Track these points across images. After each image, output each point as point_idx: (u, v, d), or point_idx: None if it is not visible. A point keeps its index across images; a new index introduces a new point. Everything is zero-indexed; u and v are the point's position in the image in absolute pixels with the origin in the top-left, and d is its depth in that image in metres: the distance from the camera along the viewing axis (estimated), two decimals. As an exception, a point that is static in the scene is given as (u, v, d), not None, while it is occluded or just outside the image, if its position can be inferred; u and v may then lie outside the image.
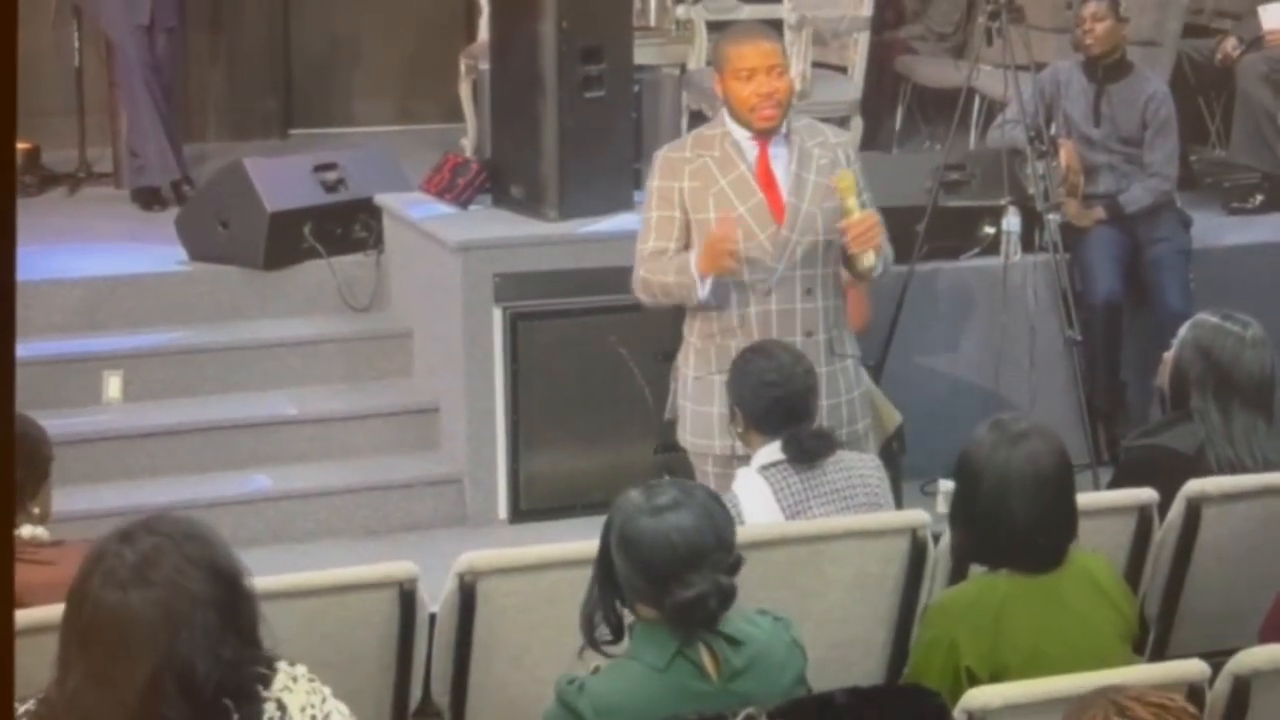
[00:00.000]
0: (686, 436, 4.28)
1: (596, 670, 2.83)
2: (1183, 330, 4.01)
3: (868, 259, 4.12)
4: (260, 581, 2.39)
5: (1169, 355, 4.02)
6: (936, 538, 3.60)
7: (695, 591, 2.75)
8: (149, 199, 6.67)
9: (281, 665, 2.35)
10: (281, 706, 2.31)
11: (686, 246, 4.19)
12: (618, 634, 2.84)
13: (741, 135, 4.22)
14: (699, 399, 4.23)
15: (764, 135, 4.20)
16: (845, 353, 4.32)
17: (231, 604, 2.26)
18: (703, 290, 4.10)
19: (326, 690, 2.39)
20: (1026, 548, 3.21)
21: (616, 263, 4.23)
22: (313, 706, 2.34)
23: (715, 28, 6.42)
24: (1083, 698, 2.41)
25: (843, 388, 4.29)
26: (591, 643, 2.85)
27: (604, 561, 2.86)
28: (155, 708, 2.18)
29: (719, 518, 2.84)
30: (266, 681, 2.30)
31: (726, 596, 2.79)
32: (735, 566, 2.83)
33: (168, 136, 6.64)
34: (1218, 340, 3.91)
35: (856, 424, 4.33)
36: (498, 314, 5.53)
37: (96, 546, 2.26)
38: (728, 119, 4.24)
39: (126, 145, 6.74)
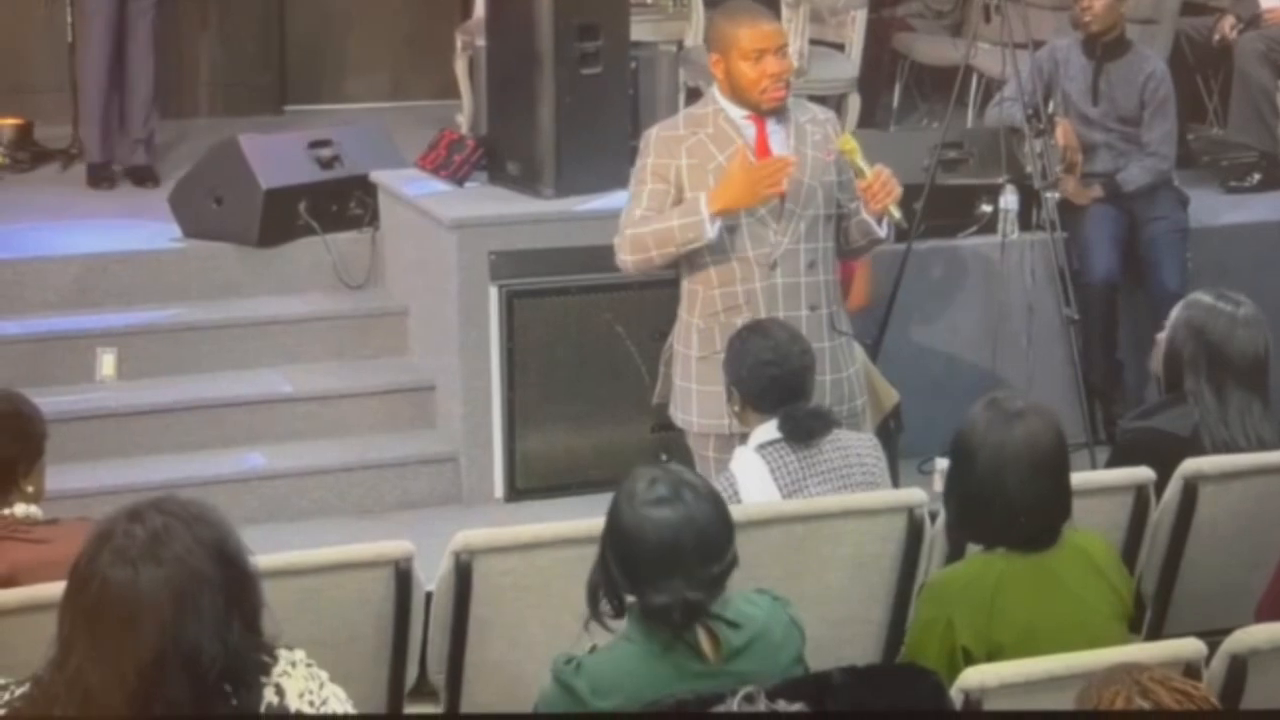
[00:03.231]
0: (692, 419, 4.23)
1: (593, 650, 2.82)
2: (1176, 310, 3.98)
3: (895, 212, 4.12)
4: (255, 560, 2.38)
5: (1162, 336, 4.00)
6: (933, 516, 3.60)
7: (660, 601, 2.74)
8: (97, 177, 6.52)
9: (280, 651, 2.34)
10: (280, 691, 2.30)
11: None
12: (619, 612, 2.83)
13: (737, 113, 4.20)
14: (706, 379, 4.17)
15: (763, 113, 4.18)
16: (844, 328, 4.33)
17: (237, 588, 2.24)
18: (711, 230, 4.04)
19: (324, 675, 2.38)
20: (1021, 527, 3.19)
21: (613, 240, 4.23)
22: (310, 692, 2.33)
23: (712, 3, 6.39)
24: (1102, 674, 2.37)
25: (844, 362, 4.30)
26: (595, 615, 2.83)
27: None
28: (158, 689, 2.17)
29: (708, 526, 2.77)
30: (267, 669, 2.28)
31: (693, 611, 2.75)
32: (715, 580, 2.77)
33: (113, 117, 6.45)
34: (1210, 320, 3.89)
35: (856, 400, 4.33)
36: (494, 292, 5.51)
37: (103, 524, 2.24)
38: (718, 96, 4.22)
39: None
